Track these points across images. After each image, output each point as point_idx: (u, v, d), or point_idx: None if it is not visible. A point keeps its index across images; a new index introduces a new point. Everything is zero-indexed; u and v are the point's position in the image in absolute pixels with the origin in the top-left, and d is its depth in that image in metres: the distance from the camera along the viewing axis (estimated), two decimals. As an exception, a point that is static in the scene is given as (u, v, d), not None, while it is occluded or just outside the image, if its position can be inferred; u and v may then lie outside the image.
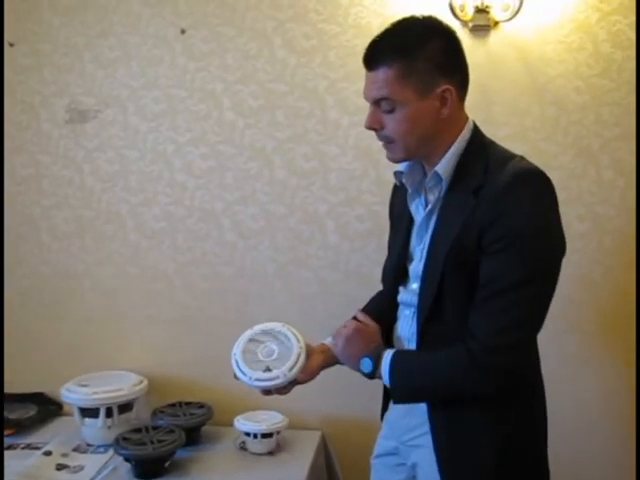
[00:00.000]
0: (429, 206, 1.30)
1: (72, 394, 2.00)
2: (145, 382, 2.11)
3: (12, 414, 2.09)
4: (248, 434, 1.94)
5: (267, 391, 1.40)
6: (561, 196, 1.22)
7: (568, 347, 2.01)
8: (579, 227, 1.97)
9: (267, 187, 2.12)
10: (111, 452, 1.90)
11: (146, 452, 1.77)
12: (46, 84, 2.19)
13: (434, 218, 1.28)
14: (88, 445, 2.00)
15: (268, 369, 1.37)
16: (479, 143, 1.28)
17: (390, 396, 1.33)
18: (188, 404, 2.10)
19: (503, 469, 1.25)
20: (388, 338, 1.40)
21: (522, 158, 1.25)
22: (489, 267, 1.19)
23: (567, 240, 1.24)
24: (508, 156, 1.25)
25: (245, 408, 2.02)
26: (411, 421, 1.36)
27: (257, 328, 1.46)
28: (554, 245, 1.21)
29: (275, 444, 1.96)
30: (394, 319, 1.41)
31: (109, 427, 1.98)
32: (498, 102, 1.97)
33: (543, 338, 1.27)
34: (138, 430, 1.87)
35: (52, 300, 2.27)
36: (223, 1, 2.07)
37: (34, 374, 2.24)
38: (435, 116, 1.23)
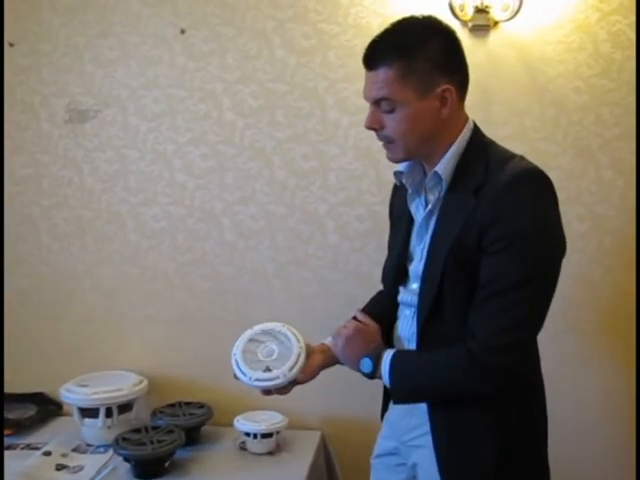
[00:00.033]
0: (429, 206, 1.30)
1: (72, 394, 2.00)
2: (145, 382, 2.11)
3: (11, 414, 2.09)
4: (248, 434, 1.94)
5: (267, 391, 1.40)
6: (561, 196, 1.22)
7: (568, 347, 2.01)
8: (579, 227, 1.97)
9: (267, 187, 2.12)
10: (111, 452, 1.90)
11: (146, 452, 1.77)
12: (46, 84, 2.19)
13: (434, 218, 1.28)
14: (88, 445, 2.00)
15: (268, 369, 1.37)
16: (479, 143, 1.28)
17: (390, 396, 1.33)
18: (188, 404, 2.09)
19: (503, 469, 1.25)
20: (388, 338, 1.40)
21: (522, 158, 1.25)
22: (489, 267, 1.19)
23: (567, 240, 1.24)
24: (508, 156, 1.25)
25: (245, 408, 2.02)
26: (411, 421, 1.36)
27: (257, 328, 1.46)
28: (554, 245, 1.21)
29: (275, 444, 1.96)
30: (394, 319, 1.41)
31: (109, 427, 1.98)
32: (498, 102, 1.97)
33: (543, 338, 1.27)
34: (138, 430, 1.87)
35: (52, 300, 2.27)
36: (223, 1, 2.07)
37: (34, 374, 2.24)
38: (435, 116, 1.23)
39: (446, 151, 1.26)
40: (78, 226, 2.23)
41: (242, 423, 1.96)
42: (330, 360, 1.43)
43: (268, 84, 2.08)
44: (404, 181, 1.35)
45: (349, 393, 2.04)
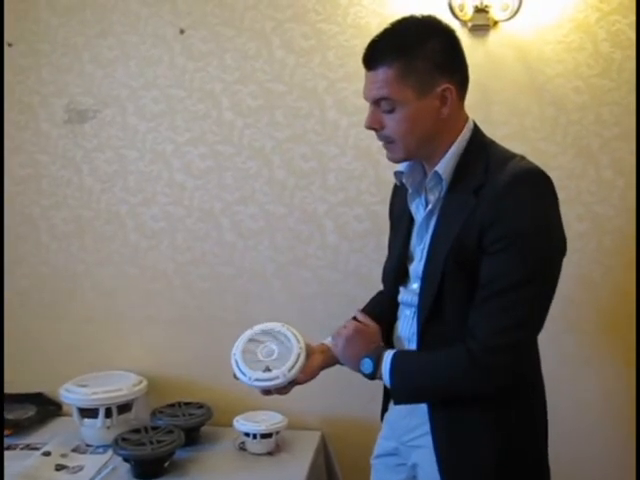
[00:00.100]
0: (429, 206, 1.29)
1: (71, 394, 2.00)
2: (144, 382, 2.11)
3: (11, 414, 2.09)
4: (247, 434, 1.94)
5: (267, 391, 1.40)
6: (560, 196, 1.22)
7: (568, 347, 2.01)
8: (578, 227, 1.97)
9: (266, 187, 2.12)
10: (110, 452, 1.90)
11: (145, 452, 1.76)
12: (45, 84, 2.18)
13: (434, 218, 1.28)
14: (87, 445, 2.00)
15: (268, 369, 1.37)
16: (479, 143, 1.28)
17: (391, 397, 1.33)
18: (187, 404, 2.09)
19: (503, 469, 1.25)
20: (388, 338, 1.40)
21: (522, 158, 1.25)
22: (489, 267, 1.18)
23: (567, 240, 1.23)
24: (508, 156, 1.25)
25: (244, 408, 2.01)
26: (411, 421, 1.36)
27: (257, 328, 1.46)
28: (555, 245, 1.21)
29: (274, 444, 1.96)
30: (394, 319, 1.41)
31: (108, 427, 1.98)
32: (497, 102, 1.97)
33: (543, 338, 1.27)
34: (137, 430, 1.87)
35: (51, 300, 2.27)
36: (222, 1, 2.07)
37: (33, 374, 2.24)
38: (435, 116, 1.23)
39: (446, 151, 1.26)
40: (77, 226, 2.22)
41: (242, 423, 1.95)
42: (330, 360, 1.43)
43: (267, 84, 2.08)
44: (404, 181, 1.34)
45: (349, 393, 2.04)
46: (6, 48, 2.17)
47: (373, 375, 1.29)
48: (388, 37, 1.23)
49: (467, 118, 1.29)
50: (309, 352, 1.42)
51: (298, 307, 2.13)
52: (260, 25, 2.06)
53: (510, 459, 1.26)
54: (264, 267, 2.15)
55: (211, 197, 2.15)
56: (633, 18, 1.88)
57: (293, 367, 1.37)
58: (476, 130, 1.29)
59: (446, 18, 1.53)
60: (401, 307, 1.39)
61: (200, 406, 2.08)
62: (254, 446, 1.94)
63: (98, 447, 1.98)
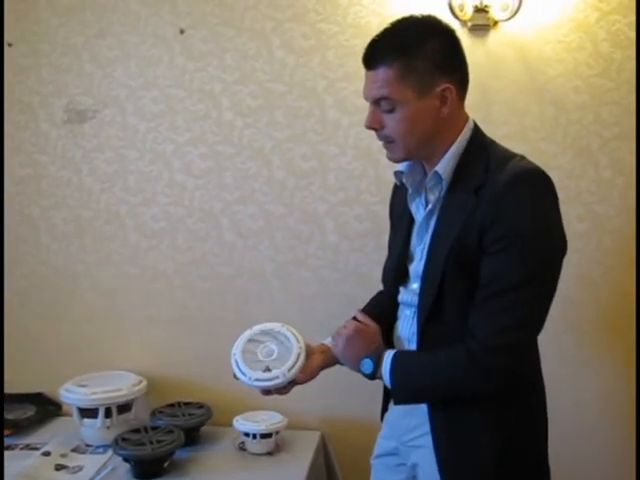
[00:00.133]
0: (429, 206, 1.29)
1: (71, 394, 2.00)
2: (144, 382, 2.11)
3: (11, 414, 2.09)
4: (247, 434, 1.94)
5: (267, 391, 1.40)
6: (560, 196, 1.22)
7: (568, 347, 2.01)
8: (578, 227, 1.97)
9: (266, 187, 2.12)
10: (110, 452, 1.90)
11: (145, 452, 1.76)
12: (44, 84, 2.18)
13: (434, 218, 1.28)
14: (87, 445, 2.00)
15: (268, 369, 1.37)
16: (480, 142, 1.28)
17: (391, 397, 1.33)
18: (187, 404, 2.09)
19: (503, 469, 1.25)
20: (388, 338, 1.40)
21: (523, 157, 1.25)
22: (489, 267, 1.18)
23: (567, 240, 1.23)
24: (509, 155, 1.25)
25: (244, 408, 2.01)
26: (411, 421, 1.36)
27: (257, 328, 1.46)
28: (555, 245, 1.21)
29: (274, 444, 1.96)
30: (394, 319, 1.41)
31: (108, 427, 1.98)
32: (497, 102, 1.97)
33: (543, 338, 1.27)
34: (137, 430, 1.87)
35: (51, 300, 2.27)
36: (222, 1, 2.07)
37: (33, 374, 2.24)
38: (435, 115, 1.22)
39: (446, 151, 1.26)
40: (77, 226, 2.22)
41: (241, 423, 1.95)
42: (330, 360, 1.43)
43: (267, 84, 2.07)
44: (404, 181, 1.34)
45: (349, 393, 2.04)
46: (6, 48, 2.17)
47: (373, 375, 1.29)
48: (388, 37, 1.23)
49: (467, 118, 1.29)
50: (309, 352, 1.42)
51: (298, 307, 2.13)
52: (260, 25, 2.06)
53: (510, 459, 1.26)
54: (264, 267, 2.15)
55: (211, 197, 2.15)
56: (633, 18, 1.88)
57: (293, 367, 1.37)
58: (476, 130, 1.29)
59: (446, 18, 1.52)
60: (401, 307, 1.39)
61: (200, 406, 2.08)
62: (254, 446, 1.94)
63: (98, 447, 1.98)
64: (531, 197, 1.17)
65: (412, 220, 1.36)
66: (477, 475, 1.27)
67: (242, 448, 1.97)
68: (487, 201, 1.18)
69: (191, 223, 2.17)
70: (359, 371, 1.32)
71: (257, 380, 1.36)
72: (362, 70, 1.26)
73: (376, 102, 1.24)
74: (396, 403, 1.33)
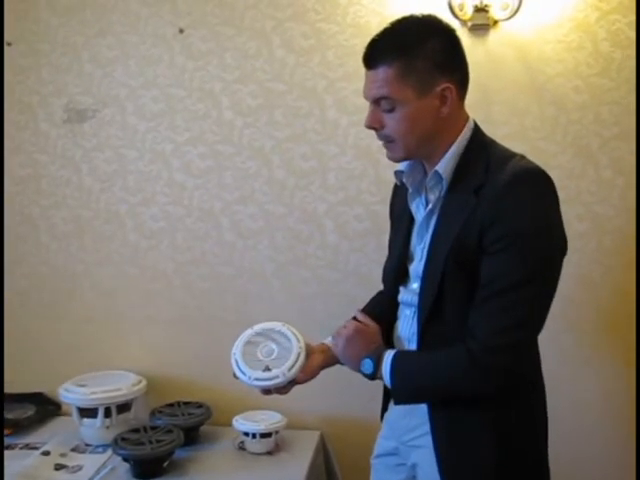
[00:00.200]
0: (430, 205, 1.29)
1: (70, 394, 2.00)
2: (144, 382, 2.11)
3: (10, 414, 2.09)
4: (247, 434, 1.94)
5: (267, 391, 1.40)
6: (560, 196, 1.22)
7: (568, 347, 2.01)
8: (578, 227, 1.97)
9: (266, 187, 2.11)
10: (109, 452, 1.90)
11: (144, 452, 1.76)
12: (44, 84, 2.18)
13: (435, 218, 1.28)
14: (86, 445, 2.00)
15: (268, 369, 1.37)
16: (480, 142, 1.28)
17: (391, 397, 1.33)
18: (187, 404, 2.09)
19: (503, 469, 1.25)
20: (388, 338, 1.40)
21: (523, 157, 1.25)
22: (489, 267, 1.18)
23: (567, 240, 1.23)
24: (509, 155, 1.25)
25: (244, 408, 2.01)
26: (411, 421, 1.36)
27: (256, 328, 1.46)
28: (555, 244, 1.21)
29: (274, 444, 1.95)
30: (394, 319, 1.41)
31: (107, 427, 1.98)
32: (497, 101, 1.97)
33: (543, 338, 1.27)
34: (136, 430, 1.87)
35: (51, 300, 2.27)
36: (222, 0, 2.07)
37: (33, 374, 2.24)
38: (435, 115, 1.22)
39: (446, 150, 1.25)
40: (77, 226, 2.22)
41: (241, 423, 1.95)
42: (330, 360, 1.42)
43: (267, 83, 2.07)
44: (404, 180, 1.34)
45: (349, 393, 2.04)
46: (6, 48, 2.17)
47: (373, 375, 1.29)
48: (388, 36, 1.23)
49: (467, 117, 1.29)
50: (309, 352, 1.41)
51: (298, 307, 2.13)
52: (260, 24, 2.06)
53: (510, 459, 1.26)
54: (264, 267, 2.15)
55: (211, 197, 2.15)
56: (633, 17, 1.88)
57: (293, 366, 1.37)
58: (476, 129, 1.29)
59: (446, 17, 1.53)
60: (401, 307, 1.39)
61: (199, 406, 2.08)
62: (253, 446, 1.94)
63: (97, 447, 1.98)
64: (531, 197, 1.17)
65: (412, 220, 1.36)
66: (477, 475, 1.27)
67: (242, 448, 1.97)
68: (487, 201, 1.18)
69: (191, 223, 2.17)
70: (359, 371, 1.32)
71: (257, 379, 1.36)
72: (362, 70, 1.26)
73: (376, 102, 1.24)
74: (396, 403, 1.33)
